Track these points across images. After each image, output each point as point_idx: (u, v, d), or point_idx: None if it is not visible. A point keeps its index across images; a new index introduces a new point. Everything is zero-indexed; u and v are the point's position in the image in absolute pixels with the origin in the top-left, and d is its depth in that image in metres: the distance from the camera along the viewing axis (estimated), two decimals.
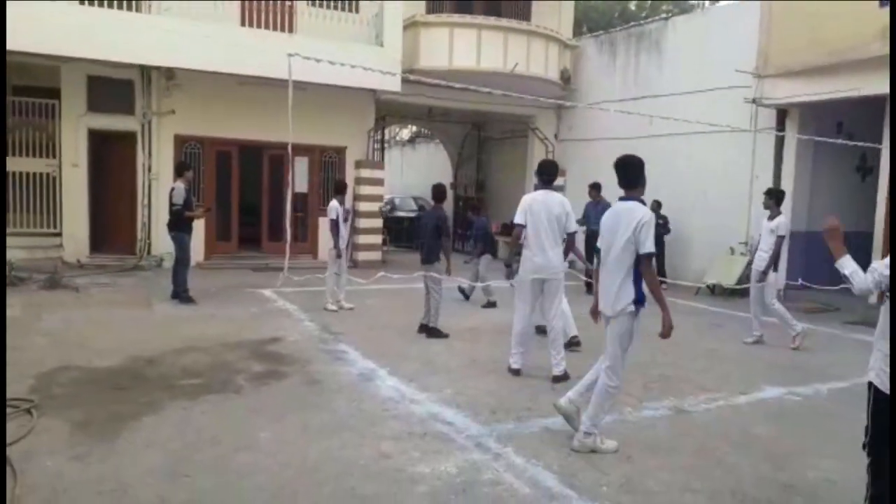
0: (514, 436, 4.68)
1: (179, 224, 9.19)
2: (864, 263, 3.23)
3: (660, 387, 6.09)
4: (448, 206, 20.22)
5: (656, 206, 12.80)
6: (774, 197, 8.10)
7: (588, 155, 15.32)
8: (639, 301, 4.47)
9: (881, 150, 10.31)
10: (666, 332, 4.46)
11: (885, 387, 2.98)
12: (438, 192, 8.21)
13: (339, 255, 9.17)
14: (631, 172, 4.64)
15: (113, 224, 12.80)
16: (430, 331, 7.80)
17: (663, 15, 13.99)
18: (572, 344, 7.15)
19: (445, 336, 7.69)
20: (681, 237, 12.94)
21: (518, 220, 6.06)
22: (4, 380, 4.27)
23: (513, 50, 13.84)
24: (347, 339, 7.49)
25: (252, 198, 13.88)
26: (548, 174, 6.16)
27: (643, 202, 4.61)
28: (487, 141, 18.81)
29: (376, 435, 4.59)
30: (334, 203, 9.20)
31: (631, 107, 12.49)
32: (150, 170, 12.61)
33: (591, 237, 12.18)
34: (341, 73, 11.09)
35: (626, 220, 4.43)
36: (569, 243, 6.11)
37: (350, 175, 14.19)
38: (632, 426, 5.02)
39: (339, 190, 9.50)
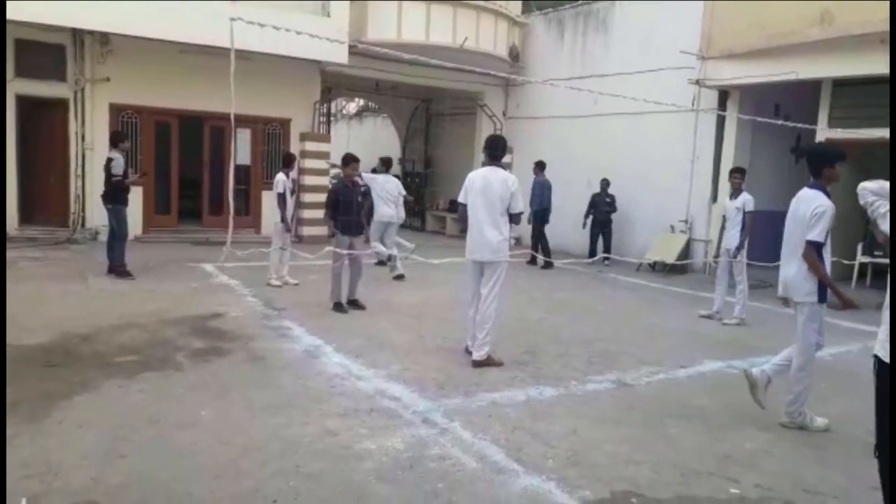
0: (461, 410, 4.66)
1: (118, 196, 8.82)
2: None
3: (602, 361, 6.17)
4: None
5: (605, 184, 12.97)
6: (742, 176, 8.35)
7: (535, 132, 15.37)
8: (822, 295, 4.57)
9: (815, 131, 10.63)
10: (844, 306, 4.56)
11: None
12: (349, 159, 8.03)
13: (287, 230, 8.93)
14: (816, 161, 4.65)
15: (44, 195, 12.19)
16: (356, 303, 7.82)
17: None
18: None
19: (345, 311, 7.61)
20: (625, 215, 13.14)
21: (461, 198, 5.85)
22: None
23: (462, 25, 13.68)
24: (291, 315, 7.33)
25: (192, 170, 13.43)
26: (494, 150, 5.87)
27: (827, 193, 4.57)
28: (436, 117, 18.66)
29: (322, 412, 4.50)
30: (280, 176, 8.97)
31: (577, 85, 12.51)
32: (83, 139, 12.03)
33: (538, 214, 12.28)
34: (286, 43, 10.77)
35: (804, 208, 4.54)
36: (513, 223, 5.85)
37: (295, 148, 13.83)
38: (577, 399, 5.07)
39: (287, 163, 9.26)
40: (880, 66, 8.70)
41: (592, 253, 12.54)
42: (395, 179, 10.75)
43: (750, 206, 8.08)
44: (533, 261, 12.12)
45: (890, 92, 7.62)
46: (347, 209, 7.78)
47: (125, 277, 8.69)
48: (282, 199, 8.88)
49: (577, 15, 14.73)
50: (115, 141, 9.05)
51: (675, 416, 4.84)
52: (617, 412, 4.85)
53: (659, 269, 12.24)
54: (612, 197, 12.99)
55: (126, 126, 12.31)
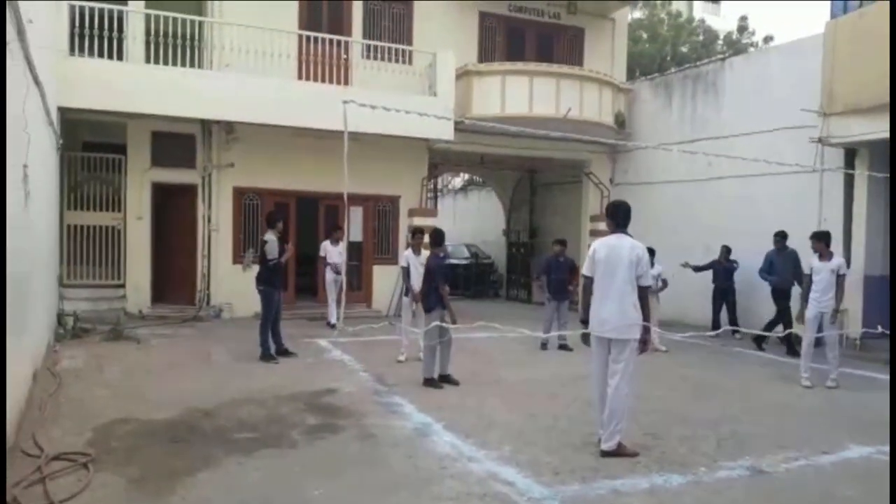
0: (579, 499, 4.42)
1: (272, 278, 8.95)
2: None
3: (734, 444, 5.74)
4: (501, 252, 20.45)
5: (725, 251, 12.43)
6: (825, 239, 8.31)
7: (645, 198, 15.05)
8: None
9: None
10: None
11: None
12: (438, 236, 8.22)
13: (414, 300, 8.88)
14: None
15: (173, 275, 13.11)
16: (444, 378, 7.82)
17: (719, 56, 13.77)
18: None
19: (440, 387, 7.60)
20: (749, 283, 12.47)
21: (585, 270, 5.59)
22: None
23: (565, 95, 13.81)
24: (402, 390, 7.36)
25: (308, 248, 14.05)
26: (616, 217, 5.54)
27: None
28: (540, 187, 18.73)
29: (433, 496, 4.40)
30: (408, 253, 9.18)
31: (689, 149, 12.25)
32: (209, 221, 12.93)
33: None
34: (395, 123, 11.26)
35: None
36: (641, 298, 5.34)
37: (404, 223, 14.25)
38: (707, 488, 4.69)
39: (435, 241, 9.34)
40: None
41: (715, 324, 11.92)
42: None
43: (845, 269, 8.27)
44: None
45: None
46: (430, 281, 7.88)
47: (269, 361, 8.78)
48: (406, 273, 9.02)
49: (685, 78, 14.55)
50: (271, 222, 9.23)
51: None
52: (753, 503, 4.44)
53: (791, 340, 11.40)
54: (734, 263, 12.39)
55: (248, 208, 13.16)
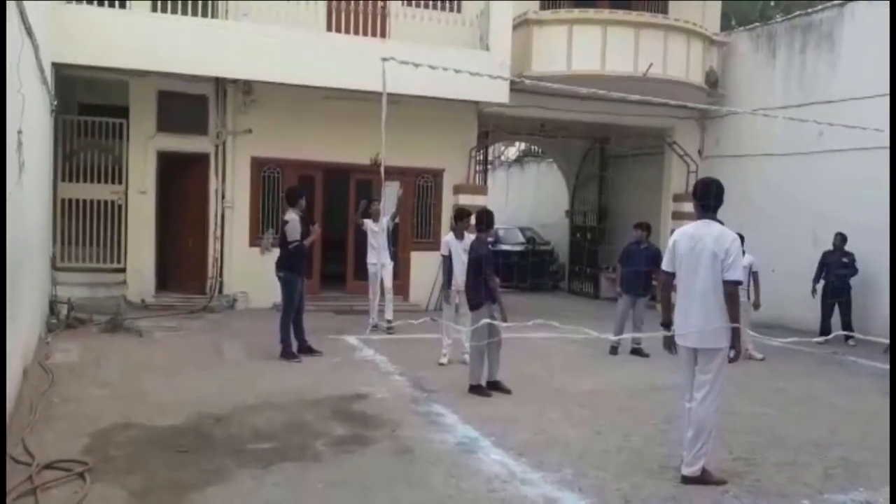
0: None
1: (294, 263, 9.07)
2: None
3: (844, 473, 5.64)
4: (563, 237, 20.32)
5: (840, 240, 12.15)
6: None
7: (741, 174, 14.74)
8: None
9: None
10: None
11: None
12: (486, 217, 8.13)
13: (446, 300, 9.03)
14: None
15: (181, 259, 13.44)
16: (493, 385, 7.83)
17: (838, 0, 13.37)
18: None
19: (488, 395, 7.63)
20: (868, 280, 12.15)
21: (664, 264, 5.54)
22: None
23: (646, 49, 13.60)
24: (444, 398, 7.41)
25: (337, 229, 14.18)
26: (706, 198, 5.34)
27: None
28: (613, 159, 18.51)
29: None
30: (449, 238, 9.23)
31: (796, 114, 11.94)
32: (223, 197, 13.18)
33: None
34: (440, 83, 11.24)
35: None
36: (729, 296, 5.18)
37: (448, 202, 14.28)
38: None
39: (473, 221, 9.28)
40: None
41: (825, 329, 11.64)
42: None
43: None
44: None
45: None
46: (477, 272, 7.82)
47: (290, 360, 8.95)
48: (447, 262, 9.09)
49: (793, 28, 14.19)
50: (293, 199, 9.32)
51: None
52: None
53: None
54: (850, 256, 12.08)
55: (268, 181, 13.36)
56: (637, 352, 10.31)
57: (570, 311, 14.61)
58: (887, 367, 10.21)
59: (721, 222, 5.37)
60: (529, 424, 6.61)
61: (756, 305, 10.64)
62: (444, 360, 9.12)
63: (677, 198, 15.67)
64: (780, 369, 9.78)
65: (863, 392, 8.72)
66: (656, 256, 10.44)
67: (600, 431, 6.50)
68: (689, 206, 15.04)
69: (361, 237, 13.56)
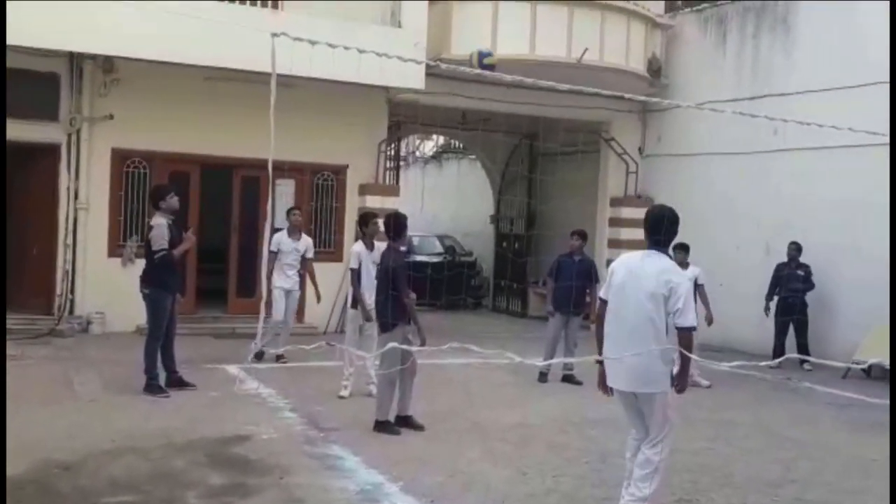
0: None
1: (160, 277, 8.85)
2: None
3: None
4: (487, 246, 20.52)
5: (794, 250, 12.65)
6: None
7: (685, 176, 15.21)
8: None
9: None
10: None
11: None
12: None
13: (366, 318, 8.96)
14: None
15: (23, 271, 12.95)
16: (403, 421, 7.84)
17: None
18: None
19: (397, 432, 7.64)
20: (825, 297, 12.72)
21: (602, 292, 5.66)
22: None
23: (581, 31, 13.87)
24: (344, 437, 7.38)
25: (216, 236, 13.95)
26: (656, 232, 5.47)
27: None
28: (543, 157, 18.77)
29: None
30: (359, 248, 9.22)
31: (748, 108, 12.31)
32: (76, 196, 12.82)
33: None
34: (344, 65, 11.11)
35: None
36: (684, 343, 5.26)
37: (352, 205, 14.23)
38: None
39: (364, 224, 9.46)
40: None
41: (779, 351, 12.09)
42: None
43: None
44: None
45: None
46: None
47: (157, 394, 8.75)
48: (355, 276, 9.05)
49: (746, 11, 14.72)
50: (156, 200, 9.16)
51: None
52: None
53: (877, 374, 11.64)
54: (806, 269, 12.62)
55: (132, 178, 13.04)
56: (569, 379, 10.47)
57: (493, 333, 14.77)
58: (846, 394, 10.70)
59: (670, 256, 5.53)
60: (444, 465, 6.63)
61: (709, 320, 10.97)
62: (344, 392, 9.07)
63: (615, 202, 16.04)
64: (729, 398, 10.10)
65: (819, 422, 9.07)
66: (589, 270, 10.67)
67: (526, 472, 6.57)
68: (629, 212, 15.59)
69: (249, 247, 13.40)
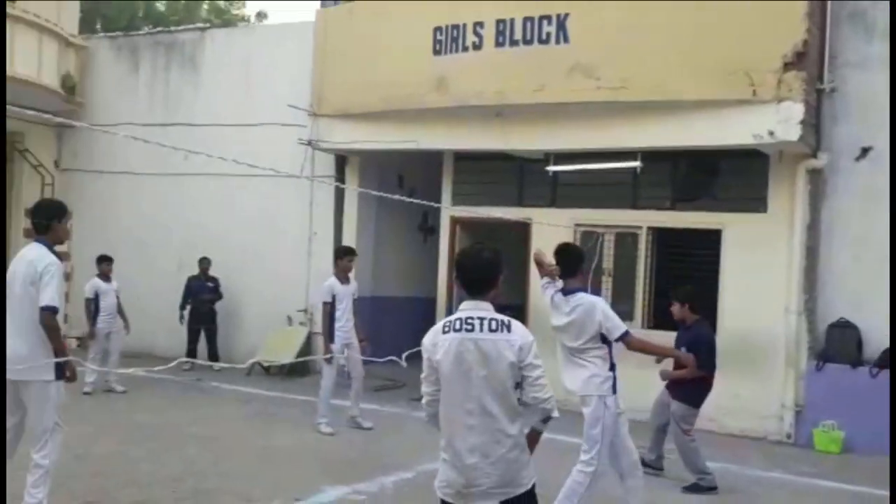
0: None
1: None
2: (424, 329, 3.95)
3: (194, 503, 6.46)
4: None
5: (204, 264, 13.44)
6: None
7: (103, 193, 15.06)
8: None
9: (440, 210, 12.44)
10: None
11: None
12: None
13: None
14: None
15: None
16: None
17: (200, 24, 14.74)
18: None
19: None
20: (232, 306, 13.81)
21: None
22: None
23: None
24: None
25: None
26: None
27: None
28: None
29: None
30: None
31: (161, 133, 12.38)
32: None
33: None
34: None
35: None
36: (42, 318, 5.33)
37: None
38: None
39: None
40: (496, 141, 10.80)
41: (192, 355, 12.83)
42: None
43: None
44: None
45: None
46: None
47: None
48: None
49: (157, 44, 15.18)
50: None
51: None
52: None
53: (275, 371, 12.96)
54: (215, 281, 13.52)
55: None
56: None
57: None
58: (248, 389, 11.65)
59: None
60: None
61: (128, 329, 11.36)
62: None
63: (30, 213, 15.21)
64: (143, 401, 10.52)
65: (222, 418, 9.88)
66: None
67: None
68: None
69: None
